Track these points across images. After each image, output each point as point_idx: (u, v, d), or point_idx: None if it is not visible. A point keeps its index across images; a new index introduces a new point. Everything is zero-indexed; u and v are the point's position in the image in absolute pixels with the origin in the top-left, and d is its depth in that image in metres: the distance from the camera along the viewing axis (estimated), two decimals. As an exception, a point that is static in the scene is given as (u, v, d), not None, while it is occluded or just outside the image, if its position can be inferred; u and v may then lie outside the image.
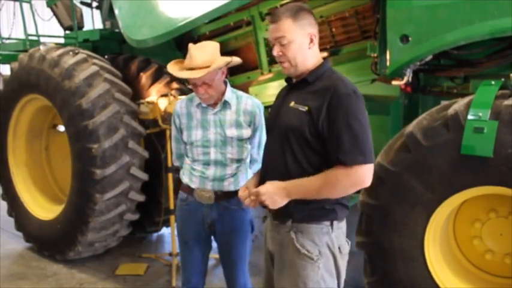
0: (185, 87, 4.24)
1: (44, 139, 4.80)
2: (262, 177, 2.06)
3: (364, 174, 1.83)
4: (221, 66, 2.38)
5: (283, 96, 2.10)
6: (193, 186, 2.53)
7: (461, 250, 2.85)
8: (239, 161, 2.53)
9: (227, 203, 2.51)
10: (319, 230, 1.93)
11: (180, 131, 2.58)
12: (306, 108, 1.90)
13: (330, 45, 3.80)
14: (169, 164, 3.90)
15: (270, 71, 4.19)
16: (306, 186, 1.86)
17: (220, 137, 2.48)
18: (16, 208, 4.63)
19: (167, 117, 3.71)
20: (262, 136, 2.57)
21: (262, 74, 4.27)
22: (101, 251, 4.24)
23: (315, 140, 1.89)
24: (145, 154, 4.00)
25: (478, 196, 2.60)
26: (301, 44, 1.94)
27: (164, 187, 4.06)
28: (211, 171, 2.49)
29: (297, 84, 2.03)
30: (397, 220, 2.63)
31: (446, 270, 2.70)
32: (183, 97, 2.64)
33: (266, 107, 4.25)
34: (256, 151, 2.63)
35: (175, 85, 4.27)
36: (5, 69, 8.61)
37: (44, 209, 4.48)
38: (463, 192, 2.49)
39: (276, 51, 1.95)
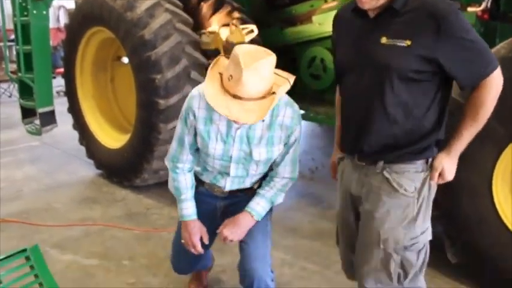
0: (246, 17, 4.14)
1: (109, 71, 4.91)
2: (354, 129, 1.88)
3: (500, 76, 1.73)
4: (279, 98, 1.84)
5: (360, 30, 1.80)
6: (203, 179, 2.22)
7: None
8: (262, 173, 2.18)
9: (242, 194, 2.21)
10: (414, 169, 1.82)
11: (193, 132, 2.05)
12: (408, 42, 1.66)
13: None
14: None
15: (334, -1, 4.00)
16: (465, 134, 1.79)
17: (244, 155, 2.03)
18: (86, 137, 4.85)
19: (229, 47, 3.67)
20: (297, 151, 2.14)
21: (326, 1, 4.08)
22: (166, 179, 4.39)
23: (424, 75, 1.71)
24: (208, 84, 3.99)
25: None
26: None
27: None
28: (227, 183, 2.15)
29: (380, 15, 1.75)
30: (465, 154, 2.49)
31: (515, 208, 2.60)
32: (199, 89, 2.00)
33: (327, 38, 4.13)
34: (289, 169, 2.14)
35: (236, 14, 4.16)
36: (70, 3, 8.79)
37: (111, 138, 4.66)
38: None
39: None
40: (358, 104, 1.84)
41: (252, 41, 3.96)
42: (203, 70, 3.99)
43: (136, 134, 4.12)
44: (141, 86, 3.90)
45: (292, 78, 1.90)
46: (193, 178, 2.22)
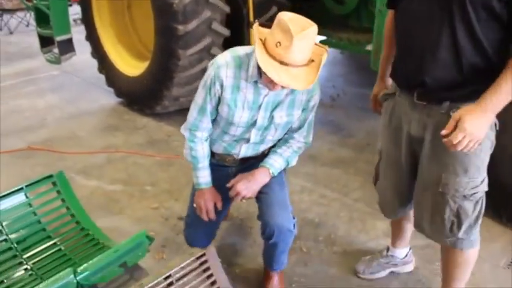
0: None
1: (126, -2, 4.80)
2: (416, 59, 1.70)
3: None
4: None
5: None
6: (214, 150, 2.21)
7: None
8: (277, 140, 2.20)
9: (253, 160, 2.22)
10: None
11: (216, 101, 2.02)
12: None
13: None
14: (251, 19, 3.79)
15: None
16: (504, 87, 1.52)
17: (267, 121, 2.05)
18: (105, 66, 4.83)
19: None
20: (313, 116, 2.15)
21: None
22: (187, 106, 4.39)
23: (497, 5, 1.49)
24: (227, 9, 3.88)
25: None
26: None
27: (246, 43, 3.98)
28: (242, 150, 2.16)
29: None
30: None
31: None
32: (228, 58, 1.95)
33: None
34: (305, 134, 2.16)
35: None
36: None
37: (130, 66, 4.62)
38: None
39: None
40: (422, 31, 1.66)
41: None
42: (221, -6, 3.87)
43: (155, 61, 4.07)
44: (159, 11, 3.80)
45: (327, 48, 1.86)
46: (209, 147, 2.20)
